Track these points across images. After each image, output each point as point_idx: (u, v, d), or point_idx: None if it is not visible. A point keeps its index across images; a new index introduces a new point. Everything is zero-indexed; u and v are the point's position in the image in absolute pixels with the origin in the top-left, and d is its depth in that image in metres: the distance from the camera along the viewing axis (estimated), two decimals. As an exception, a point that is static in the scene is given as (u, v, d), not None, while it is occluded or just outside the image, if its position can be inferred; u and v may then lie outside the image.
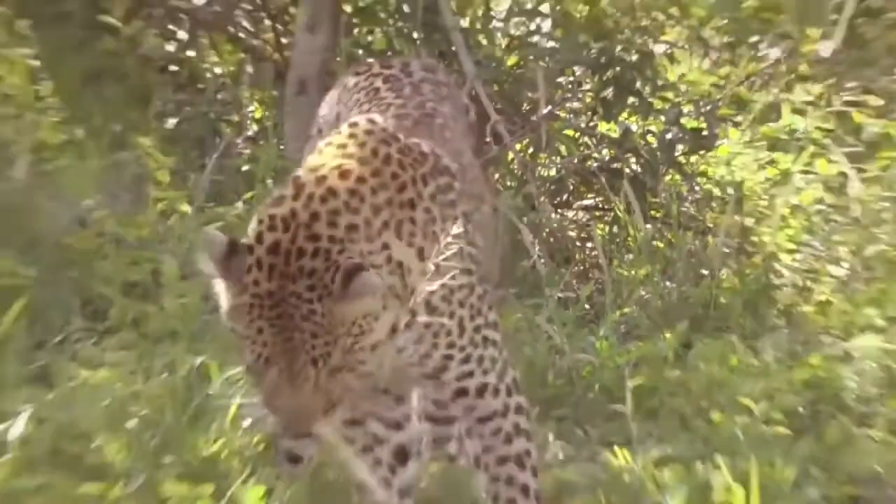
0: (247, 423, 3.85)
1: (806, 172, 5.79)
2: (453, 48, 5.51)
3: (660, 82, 6.19)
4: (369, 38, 6.30)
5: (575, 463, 4.24)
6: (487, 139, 5.53)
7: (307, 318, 2.96)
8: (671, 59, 6.36)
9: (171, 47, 6.40)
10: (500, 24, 6.35)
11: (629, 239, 5.62)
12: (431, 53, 5.73)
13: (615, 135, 6.10)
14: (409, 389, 3.57)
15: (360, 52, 6.18)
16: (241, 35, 6.43)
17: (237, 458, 3.88)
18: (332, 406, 3.03)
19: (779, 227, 5.61)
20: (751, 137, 6.02)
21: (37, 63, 5.66)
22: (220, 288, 3.07)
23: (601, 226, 5.81)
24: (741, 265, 5.43)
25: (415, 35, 5.92)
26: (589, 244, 5.68)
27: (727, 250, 5.50)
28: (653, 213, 5.75)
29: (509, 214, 5.22)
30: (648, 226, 5.61)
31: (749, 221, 5.67)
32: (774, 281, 5.40)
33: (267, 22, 6.41)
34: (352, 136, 3.30)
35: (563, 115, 6.16)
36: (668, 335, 4.74)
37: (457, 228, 3.31)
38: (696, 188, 5.97)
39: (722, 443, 4.15)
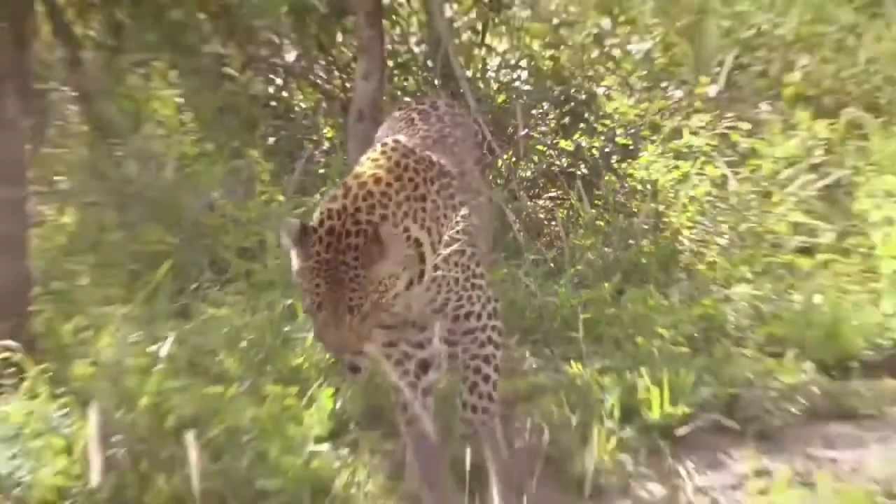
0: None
1: (699, 174, 5.74)
2: (461, 90, 5.49)
3: (601, 113, 6.14)
4: (405, 83, 6.29)
5: (544, 372, 4.20)
6: (485, 152, 5.49)
7: (352, 279, 2.97)
8: (608, 97, 6.33)
9: (271, 89, 6.38)
10: (493, 74, 6.32)
11: (580, 219, 5.58)
12: (447, 94, 5.70)
13: (571, 148, 6.05)
14: (429, 322, 3.49)
15: (399, 92, 6.16)
16: (318, 81, 6.39)
17: (314, 369, 3.86)
18: (361, 340, 3.03)
19: (682, 211, 5.57)
20: (662, 151, 5.96)
21: (181, 100, 5.73)
22: (294, 255, 3.07)
23: (562, 210, 5.75)
24: (656, 237, 5.38)
25: (436, 82, 5.92)
26: (553, 223, 5.61)
27: (646, 227, 5.44)
28: (596, 202, 5.70)
29: (499, 203, 5.18)
30: (593, 210, 5.55)
31: (661, 208, 5.61)
32: (679, 248, 5.35)
33: (336, 72, 6.36)
34: (383, 152, 3.32)
35: (535, 135, 6.11)
36: (606, 285, 4.68)
37: (458, 213, 3.30)
38: (626, 185, 5.91)
39: (643, 358, 4.14)
